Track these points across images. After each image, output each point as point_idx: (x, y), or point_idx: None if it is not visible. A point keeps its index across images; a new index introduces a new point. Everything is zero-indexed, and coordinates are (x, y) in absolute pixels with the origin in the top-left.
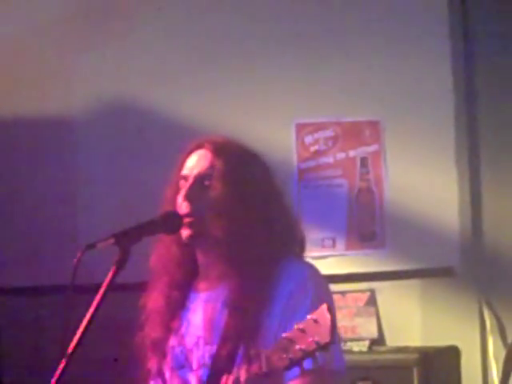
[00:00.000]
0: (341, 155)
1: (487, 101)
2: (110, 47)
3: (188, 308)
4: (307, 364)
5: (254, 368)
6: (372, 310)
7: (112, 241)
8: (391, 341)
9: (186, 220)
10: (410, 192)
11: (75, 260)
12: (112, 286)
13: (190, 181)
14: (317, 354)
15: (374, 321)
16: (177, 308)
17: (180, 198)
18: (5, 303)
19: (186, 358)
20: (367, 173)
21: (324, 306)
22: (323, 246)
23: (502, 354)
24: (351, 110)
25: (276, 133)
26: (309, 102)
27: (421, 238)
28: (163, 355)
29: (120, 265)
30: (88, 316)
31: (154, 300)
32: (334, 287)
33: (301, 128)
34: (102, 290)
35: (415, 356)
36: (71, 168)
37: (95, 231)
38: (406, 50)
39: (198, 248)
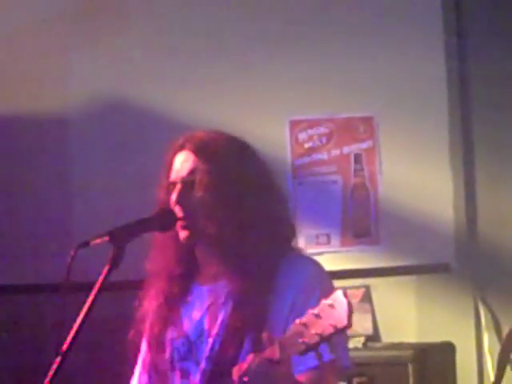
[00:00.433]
0: (335, 152)
1: (481, 97)
2: (105, 45)
3: (189, 301)
4: (324, 350)
5: (267, 354)
6: (367, 306)
7: (106, 238)
8: (386, 337)
9: (182, 222)
10: (404, 188)
11: (69, 258)
12: (106, 284)
13: (178, 186)
14: (333, 339)
15: (369, 317)
16: (176, 302)
17: (172, 202)
18: None
19: (189, 350)
20: (361, 169)
21: (339, 292)
22: (318, 243)
23: (497, 349)
24: (345, 107)
25: (270, 130)
26: (303, 98)
27: (416, 235)
28: (160, 349)
29: (114, 263)
30: (82, 314)
31: (153, 297)
32: None
33: (295, 125)
34: (96, 288)
35: (410, 352)
36: (66, 166)
37: (91, 229)
38: (399, 47)
39: (196, 246)
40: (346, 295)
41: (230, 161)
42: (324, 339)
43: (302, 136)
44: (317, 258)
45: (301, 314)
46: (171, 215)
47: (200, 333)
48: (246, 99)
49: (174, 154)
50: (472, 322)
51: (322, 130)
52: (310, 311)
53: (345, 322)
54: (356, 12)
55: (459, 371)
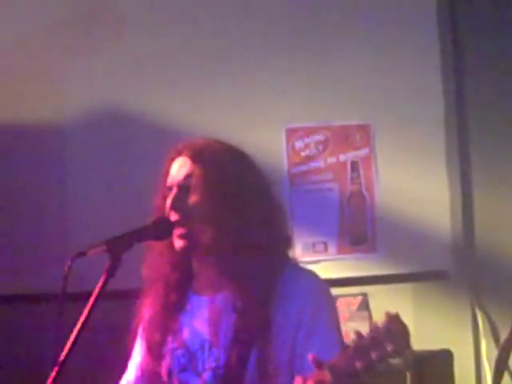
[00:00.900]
0: (331, 159)
1: (477, 104)
2: (102, 54)
3: (189, 310)
4: None
5: (316, 378)
6: (365, 314)
7: (103, 248)
8: None
9: (177, 230)
10: (401, 196)
11: (66, 268)
12: (103, 294)
13: (174, 190)
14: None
15: (366, 325)
16: (175, 310)
17: (168, 207)
18: None
19: (190, 361)
20: (358, 177)
21: (395, 315)
22: (315, 251)
23: (495, 356)
24: (341, 115)
25: (267, 138)
26: (299, 106)
27: (413, 242)
28: (160, 357)
29: (111, 272)
30: (79, 323)
31: (151, 304)
32: None
33: (291, 133)
34: (93, 298)
35: (408, 360)
36: (63, 176)
37: (86, 239)
38: (395, 54)
39: (192, 255)
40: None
41: (227, 168)
42: (381, 362)
43: (299, 144)
44: (314, 266)
45: (310, 330)
46: (167, 224)
47: (200, 343)
48: (242, 107)
49: (172, 160)
50: (470, 329)
51: (319, 137)
52: (368, 334)
53: (402, 347)
54: (352, 21)
55: (457, 378)
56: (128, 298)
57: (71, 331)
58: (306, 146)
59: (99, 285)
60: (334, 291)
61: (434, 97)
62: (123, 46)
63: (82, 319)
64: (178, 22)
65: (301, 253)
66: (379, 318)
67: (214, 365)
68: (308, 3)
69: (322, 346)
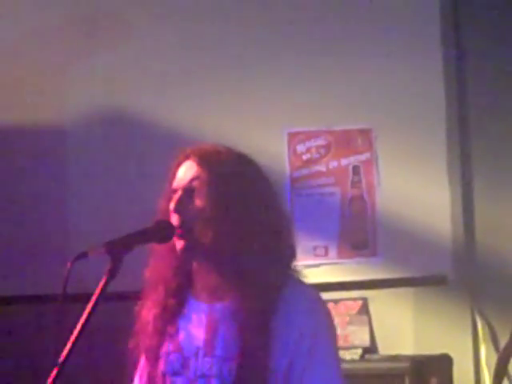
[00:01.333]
0: (333, 163)
1: (479, 109)
2: (103, 57)
3: (187, 315)
4: None
5: None
6: (364, 318)
7: (103, 250)
8: (384, 349)
9: (179, 232)
10: (402, 200)
11: (66, 269)
12: (103, 296)
13: (179, 193)
14: None
15: (366, 329)
16: (173, 314)
17: (171, 209)
18: None
19: (183, 366)
20: (359, 181)
21: None
22: (315, 255)
23: (495, 361)
24: (343, 119)
25: (268, 141)
26: (301, 110)
27: (413, 246)
28: (156, 360)
29: (111, 274)
30: (79, 325)
31: (150, 308)
32: (326, 295)
33: (293, 137)
34: (93, 300)
35: (408, 364)
36: (64, 178)
37: (87, 240)
38: (397, 59)
39: (193, 259)
40: None
41: (233, 174)
42: None
43: (300, 148)
44: (314, 269)
45: (310, 347)
46: (169, 227)
47: (195, 350)
48: (244, 111)
49: (179, 163)
50: (469, 334)
51: (320, 141)
52: None
53: None
54: (354, 25)
55: (456, 383)
56: (129, 300)
57: (71, 333)
58: (308, 149)
59: (100, 286)
60: (334, 295)
61: (435, 101)
62: (125, 48)
63: (82, 321)
64: (180, 24)
65: (302, 256)
66: (379, 322)
67: (207, 373)
68: (310, 8)
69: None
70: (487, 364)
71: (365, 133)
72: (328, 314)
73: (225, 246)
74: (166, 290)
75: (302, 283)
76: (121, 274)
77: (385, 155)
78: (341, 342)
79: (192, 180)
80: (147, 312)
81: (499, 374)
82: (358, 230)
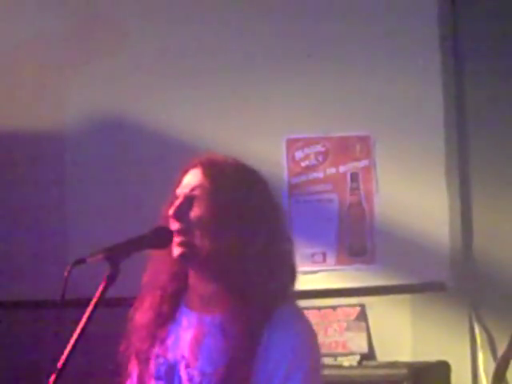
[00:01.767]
0: (331, 170)
1: (477, 115)
2: (102, 63)
3: (177, 321)
4: None
5: None
6: (362, 324)
7: (102, 256)
8: (382, 356)
9: (177, 238)
10: (400, 207)
11: (65, 275)
12: (102, 301)
13: (179, 200)
14: None
15: (364, 336)
16: (165, 320)
17: (170, 215)
18: None
19: (166, 373)
20: (358, 188)
21: None
22: (313, 261)
23: (493, 368)
24: (342, 126)
25: (267, 148)
26: (299, 117)
27: (411, 253)
28: (146, 363)
29: (110, 280)
30: (78, 331)
31: (145, 312)
32: (324, 302)
33: (291, 143)
34: (92, 305)
35: (405, 371)
36: (61, 183)
37: (87, 246)
38: (396, 65)
39: (189, 266)
40: None
41: (235, 186)
42: None
43: (299, 154)
44: (312, 276)
45: (287, 372)
46: (167, 233)
47: (180, 358)
48: (242, 117)
49: (186, 171)
50: (467, 341)
51: (319, 148)
52: None
53: None
54: (353, 32)
55: None
56: (128, 305)
57: (70, 338)
58: (306, 156)
59: (98, 292)
60: (333, 301)
61: (434, 108)
62: (124, 55)
63: (80, 326)
64: (179, 31)
65: (299, 263)
66: (377, 328)
67: (187, 382)
68: (308, 13)
69: None
70: (485, 371)
71: (363, 140)
72: (312, 341)
73: (220, 258)
74: (161, 295)
75: (293, 306)
76: (119, 280)
77: (383, 162)
78: (339, 349)
79: (194, 188)
80: (141, 316)
81: (497, 381)
82: (356, 237)
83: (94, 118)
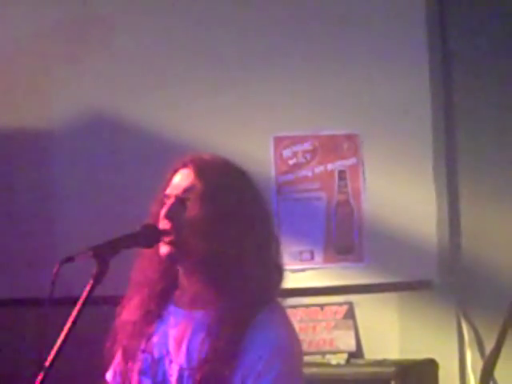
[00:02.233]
0: (319, 168)
1: (465, 115)
2: (90, 61)
3: (165, 319)
4: None
5: None
6: (350, 322)
7: (90, 254)
8: (369, 354)
9: (166, 238)
10: (388, 205)
11: (53, 273)
12: (90, 300)
13: (171, 200)
14: None
15: (352, 334)
16: (153, 318)
17: (161, 215)
18: None
19: (150, 368)
20: (345, 186)
21: None
22: (301, 259)
23: (480, 366)
24: (329, 124)
25: (254, 146)
26: (287, 115)
27: (399, 252)
28: (132, 359)
29: (98, 278)
30: (66, 329)
31: (132, 310)
32: (312, 300)
33: (279, 141)
34: (79, 304)
35: (393, 369)
36: (48, 181)
37: (72, 244)
38: (383, 64)
39: (176, 264)
40: None
41: (227, 189)
42: None
43: (287, 153)
44: (300, 274)
45: (260, 371)
46: (155, 232)
47: (165, 354)
48: (230, 116)
49: (176, 170)
50: (455, 339)
51: (307, 146)
52: None
53: None
54: (341, 30)
55: None
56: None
57: (57, 337)
58: (294, 154)
59: (86, 290)
60: (320, 300)
61: (421, 107)
62: (112, 52)
63: (68, 325)
64: (168, 29)
65: (287, 261)
66: (364, 326)
67: (168, 379)
68: (296, 13)
69: None
70: (473, 369)
71: (351, 138)
72: (291, 345)
73: (211, 260)
74: (149, 293)
75: (277, 308)
76: (108, 278)
77: (371, 160)
78: (326, 347)
79: (187, 189)
80: (129, 313)
81: (485, 379)
82: (344, 235)
83: (81, 115)
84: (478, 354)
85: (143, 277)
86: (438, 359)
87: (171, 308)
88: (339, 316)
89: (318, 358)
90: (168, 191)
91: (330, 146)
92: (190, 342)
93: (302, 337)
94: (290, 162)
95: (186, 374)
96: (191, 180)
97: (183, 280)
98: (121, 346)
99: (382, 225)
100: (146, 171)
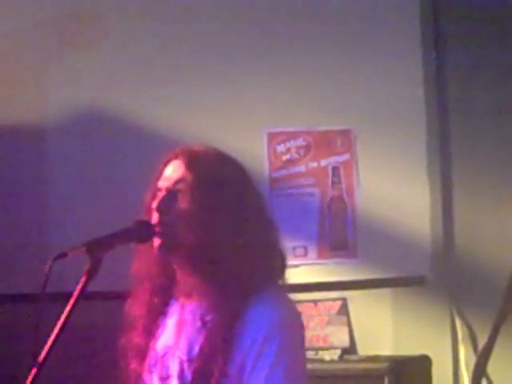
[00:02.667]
0: (313, 164)
1: (459, 110)
2: (85, 54)
3: (168, 314)
4: None
5: None
6: (344, 318)
7: (83, 249)
8: (363, 350)
9: (157, 230)
10: (381, 201)
11: (46, 268)
12: (83, 295)
13: (162, 192)
14: None
15: (345, 330)
16: (158, 314)
17: (153, 208)
18: None
19: (155, 365)
20: (339, 182)
21: None
22: (295, 255)
23: (474, 362)
24: (323, 120)
25: (248, 142)
26: (281, 111)
27: (392, 247)
28: (144, 359)
29: (91, 274)
30: (59, 325)
31: (137, 306)
32: (305, 296)
33: (273, 137)
34: (73, 299)
35: (386, 365)
36: (44, 177)
37: (68, 240)
38: (377, 60)
39: (170, 258)
40: None
41: (219, 179)
42: None
43: (280, 148)
44: (294, 270)
45: (258, 353)
46: (148, 227)
47: (167, 349)
48: (223, 111)
49: (167, 162)
50: (448, 334)
51: (300, 142)
52: None
53: None
54: (335, 26)
55: None
56: (109, 299)
57: (51, 332)
58: (288, 150)
59: (79, 286)
60: (314, 295)
61: (415, 103)
62: (108, 47)
63: (61, 321)
64: (164, 24)
65: None
66: (358, 322)
67: (171, 374)
68: (292, 9)
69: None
70: (466, 364)
71: (345, 134)
72: (289, 319)
73: (204, 250)
74: (151, 289)
75: (274, 289)
76: (101, 274)
77: (364, 156)
78: (320, 343)
79: (177, 181)
80: (135, 310)
81: (478, 374)
82: (338, 231)
83: (75, 110)
84: (471, 350)
85: (144, 273)
86: (431, 355)
87: (173, 302)
88: (333, 312)
89: (311, 354)
90: (159, 184)
91: (323, 142)
92: (187, 334)
93: None
94: (284, 158)
95: (185, 366)
96: (182, 172)
97: (178, 273)
98: (132, 345)
99: (376, 221)
100: (140, 166)
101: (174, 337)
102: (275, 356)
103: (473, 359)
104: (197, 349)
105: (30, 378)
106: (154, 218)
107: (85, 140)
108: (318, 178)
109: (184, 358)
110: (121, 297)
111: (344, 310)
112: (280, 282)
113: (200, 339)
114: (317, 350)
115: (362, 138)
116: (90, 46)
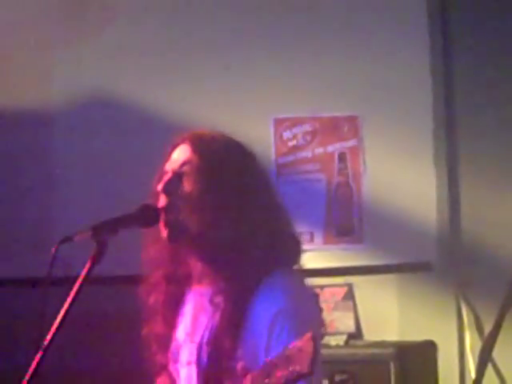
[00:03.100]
0: (319, 150)
1: (465, 96)
2: (90, 42)
3: (186, 302)
4: None
5: None
6: (349, 304)
7: (89, 233)
8: (368, 335)
9: (164, 217)
10: (387, 187)
11: (52, 252)
12: (88, 279)
13: (169, 175)
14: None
15: (351, 315)
16: (177, 303)
17: (159, 190)
18: None
19: (177, 353)
20: (345, 168)
21: (308, 335)
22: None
23: (479, 348)
24: (330, 105)
25: (254, 127)
26: (287, 96)
27: (398, 233)
28: (167, 350)
29: (97, 258)
30: (64, 309)
31: (154, 295)
32: (311, 281)
33: (279, 123)
34: (78, 283)
35: (392, 350)
36: (49, 163)
37: (72, 224)
38: (384, 46)
39: (179, 246)
40: (313, 339)
41: (224, 162)
42: (288, 382)
43: (287, 134)
44: None
45: (269, 346)
46: (154, 211)
47: (185, 337)
48: (230, 97)
49: (175, 146)
50: (454, 320)
51: (307, 128)
52: (282, 351)
53: (306, 369)
54: (342, 12)
55: (441, 370)
56: (115, 284)
57: (56, 316)
58: (294, 136)
59: (85, 270)
60: (320, 281)
61: (422, 89)
62: (112, 34)
63: (66, 304)
64: (168, 11)
65: None
66: (364, 308)
67: (190, 360)
68: None
69: None
70: (472, 350)
71: (351, 120)
72: (300, 301)
73: (209, 233)
74: (164, 276)
75: (287, 276)
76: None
77: (371, 142)
78: (326, 328)
79: (183, 164)
80: (153, 299)
81: (483, 360)
82: (344, 217)
83: (81, 97)
84: (476, 336)
85: (154, 260)
86: (437, 341)
87: (189, 290)
88: (338, 297)
89: None
90: (166, 167)
91: (330, 128)
92: (203, 319)
93: None
94: (290, 144)
95: (201, 351)
96: (188, 155)
97: (189, 259)
98: (154, 335)
99: (382, 206)
100: (146, 151)
101: (191, 323)
102: (287, 337)
103: (478, 345)
104: (209, 333)
105: (34, 363)
106: (161, 200)
107: (90, 125)
108: (324, 164)
109: (200, 342)
110: (126, 282)
111: (350, 295)
112: (295, 267)
113: (213, 324)
114: (323, 335)
115: (368, 124)
116: (95, 30)
